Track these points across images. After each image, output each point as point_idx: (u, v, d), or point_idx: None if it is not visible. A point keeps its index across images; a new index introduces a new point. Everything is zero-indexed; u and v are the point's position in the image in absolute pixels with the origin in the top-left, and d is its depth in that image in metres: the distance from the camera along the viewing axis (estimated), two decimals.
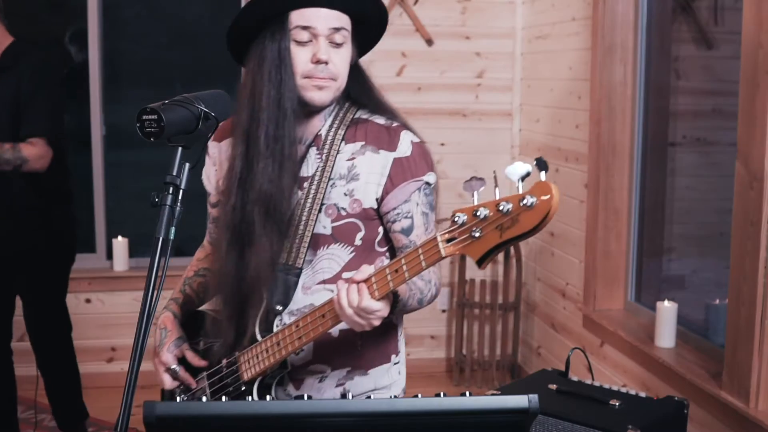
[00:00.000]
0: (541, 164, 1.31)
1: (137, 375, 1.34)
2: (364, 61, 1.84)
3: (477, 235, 1.36)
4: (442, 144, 4.41)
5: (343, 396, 1.71)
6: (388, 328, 1.81)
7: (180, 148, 1.46)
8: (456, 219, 1.39)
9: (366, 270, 1.53)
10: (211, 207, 1.91)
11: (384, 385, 1.85)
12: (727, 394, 2.63)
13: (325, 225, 1.73)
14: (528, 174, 1.32)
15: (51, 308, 3.45)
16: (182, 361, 1.85)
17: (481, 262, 1.38)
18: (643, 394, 2.46)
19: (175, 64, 5.14)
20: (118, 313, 4.36)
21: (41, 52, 3.25)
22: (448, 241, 1.41)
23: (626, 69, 3.45)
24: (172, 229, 1.42)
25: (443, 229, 1.43)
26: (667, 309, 3.13)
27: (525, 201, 1.30)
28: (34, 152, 3.08)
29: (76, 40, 4.86)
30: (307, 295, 1.74)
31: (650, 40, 3.45)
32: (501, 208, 1.33)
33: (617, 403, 2.36)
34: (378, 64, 3.87)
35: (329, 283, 1.75)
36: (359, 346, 1.79)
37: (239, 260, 1.71)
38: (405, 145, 1.74)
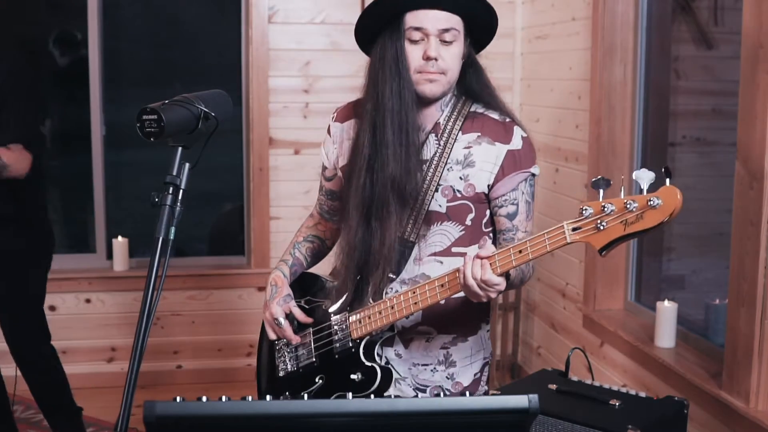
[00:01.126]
0: (668, 172, 1.52)
1: (137, 375, 1.34)
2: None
3: (602, 227, 1.56)
4: None
5: (447, 359, 1.99)
6: (483, 302, 1.98)
7: (180, 148, 1.47)
8: (584, 211, 1.58)
9: (489, 248, 1.71)
10: (325, 180, 2.13)
11: (478, 349, 2.05)
12: (726, 394, 2.63)
13: (440, 204, 1.92)
14: (653, 179, 1.52)
15: (28, 318, 3.30)
16: (288, 317, 2.03)
17: (602, 251, 1.58)
18: (643, 394, 2.46)
19: (175, 64, 5.14)
20: (118, 313, 4.36)
21: (11, 56, 3.17)
22: (574, 229, 1.60)
23: (626, 69, 3.45)
24: (172, 229, 1.42)
25: (570, 219, 1.60)
26: (667, 309, 3.13)
27: (652, 201, 1.51)
28: (13, 157, 3.00)
29: (59, 43, 4.85)
30: (419, 265, 1.94)
31: (650, 40, 3.45)
32: (627, 205, 1.53)
33: (617, 403, 2.37)
34: None
35: (439, 256, 1.94)
36: (461, 314, 1.98)
37: (368, 232, 1.91)
38: (517, 139, 1.93)
